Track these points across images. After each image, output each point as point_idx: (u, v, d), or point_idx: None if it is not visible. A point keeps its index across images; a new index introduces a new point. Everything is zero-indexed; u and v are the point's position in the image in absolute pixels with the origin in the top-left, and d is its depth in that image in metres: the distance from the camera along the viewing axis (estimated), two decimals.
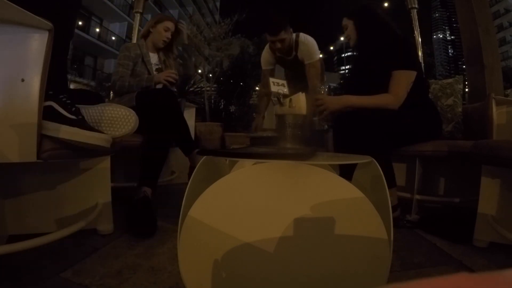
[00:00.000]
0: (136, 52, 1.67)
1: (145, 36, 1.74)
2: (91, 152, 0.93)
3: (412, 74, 1.31)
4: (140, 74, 1.65)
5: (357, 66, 1.54)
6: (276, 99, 0.97)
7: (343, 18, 1.52)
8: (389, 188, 1.28)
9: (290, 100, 0.94)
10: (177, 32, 1.76)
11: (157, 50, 1.77)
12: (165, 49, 1.78)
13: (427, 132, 1.37)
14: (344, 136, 1.33)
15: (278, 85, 0.97)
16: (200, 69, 5.39)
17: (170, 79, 1.59)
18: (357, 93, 1.34)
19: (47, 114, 0.76)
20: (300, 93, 0.96)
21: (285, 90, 0.97)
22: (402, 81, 1.30)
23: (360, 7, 1.47)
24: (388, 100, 1.29)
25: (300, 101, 0.94)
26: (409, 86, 1.30)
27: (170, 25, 1.71)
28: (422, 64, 2.60)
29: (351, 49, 1.70)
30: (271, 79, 0.98)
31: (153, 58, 1.74)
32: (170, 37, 1.72)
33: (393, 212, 1.23)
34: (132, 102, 1.41)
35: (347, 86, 1.57)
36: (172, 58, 1.81)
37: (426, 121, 1.37)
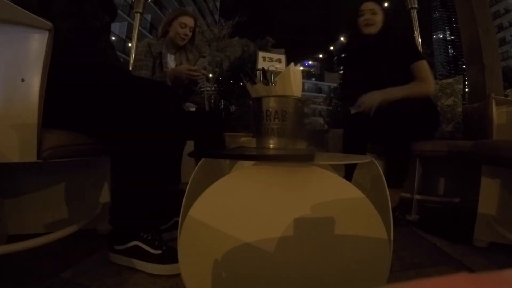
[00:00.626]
0: (157, 51, 1.52)
1: (162, 36, 1.59)
2: (91, 152, 0.92)
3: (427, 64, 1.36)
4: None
5: (364, 61, 1.48)
6: (259, 72, 0.79)
7: (369, 2, 1.45)
8: (396, 187, 1.28)
9: (280, 75, 0.74)
10: (195, 29, 1.61)
11: (175, 50, 1.61)
12: (183, 48, 1.62)
13: (425, 130, 1.39)
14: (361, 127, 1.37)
15: (271, 61, 0.82)
16: None
17: (196, 75, 1.39)
18: (359, 89, 1.36)
19: (134, 253, 0.84)
20: (292, 64, 0.76)
21: (280, 68, 0.80)
22: (427, 69, 1.34)
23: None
24: (426, 88, 1.33)
25: (296, 77, 0.73)
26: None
27: (186, 20, 1.55)
28: None
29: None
30: (261, 53, 0.82)
31: (171, 60, 1.58)
32: (188, 33, 1.56)
33: (392, 213, 1.24)
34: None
35: (348, 82, 1.51)
36: (193, 55, 1.63)
37: (426, 118, 1.38)
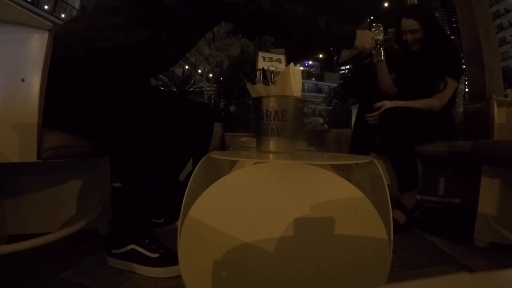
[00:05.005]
0: None
1: None
2: (91, 153, 0.92)
3: (456, 85, 1.37)
4: None
5: (412, 69, 1.50)
6: (259, 72, 0.75)
7: (408, 19, 1.43)
8: (409, 190, 1.27)
9: (280, 75, 0.72)
10: None
11: None
12: None
13: (442, 133, 1.39)
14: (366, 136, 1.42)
15: (271, 61, 0.78)
16: (200, 69, 5.40)
17: None
18: (408, 93, 1.40)
19: (132, 256, 0.84)
20: (292, 64, 0.75)
21: (280, 68, 0.79)
22: (449, 89, 1.35)
23: (426, 12, 1.49)
24: (435, 104, 1.34)
25: (296, 77, 0.71)
26: (451, 94, 1.37)
27: None
28: None
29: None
30: (261, 53, 0.80)
31: None
32: None
33: (411, 214, 1.23)
34: None
35: (400, 84, 1.55)
36: None
37: (445, 121, 1.40)
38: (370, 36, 1.13)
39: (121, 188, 0.88)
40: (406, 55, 1.55)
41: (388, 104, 1.32)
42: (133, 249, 0.84)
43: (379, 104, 1.33)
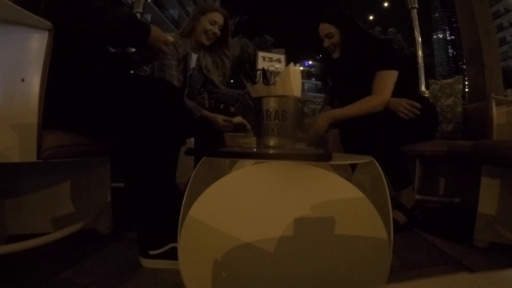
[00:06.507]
0: (183, 53, 1.35)
1: (189, 33, 1.40)
2: (91, 152, 0.93)
3: (394, 74, 1.28)
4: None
5: (344, 79, 1.45)
6: (259, 72, 0.77)
7: (323, 23, 1.38)
8: (404, 188, 1.23)
9: (280, 75, 0.73)
10: (226, 28, 1.43)
11: (198, 49, 1.44)
12: (209, 49, 1.47)
13: (423, 130, 1.36)
14: (351, 138, 1.35)
15: (271, 61, 0.81)
16: None
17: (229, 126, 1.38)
18: (349, 101, 1.31)
19: (173, 254, 0.82)
20: (292, 64, 0.75)
21: (279, 68, 0.80)
22: (386, 81, 1.27)
23: (343, 16, 1.40)
24: (374, 102, 1.26)
25: (295, 77, 0.71)
26: (393, 85, 1.28)
27: (217, 17, 1.38)
28: (422, 64, 2.60)
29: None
30: (261, 53, 0.81)
31: (194, 60, 1.43)
32: (217, 32, 1.39)
33: (411, 213, 1.22)
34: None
35: (342, 100, 1.44)
36: (220, 59, 1.49)
37: (423, 119, 1.36)
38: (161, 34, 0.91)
39: (139, 190, 0.86)
40: (331, 65, 1.49)
41: (319, 120, 1.25)
42: (173, 247, 0.84)
43: (310, 122, 1.25)
